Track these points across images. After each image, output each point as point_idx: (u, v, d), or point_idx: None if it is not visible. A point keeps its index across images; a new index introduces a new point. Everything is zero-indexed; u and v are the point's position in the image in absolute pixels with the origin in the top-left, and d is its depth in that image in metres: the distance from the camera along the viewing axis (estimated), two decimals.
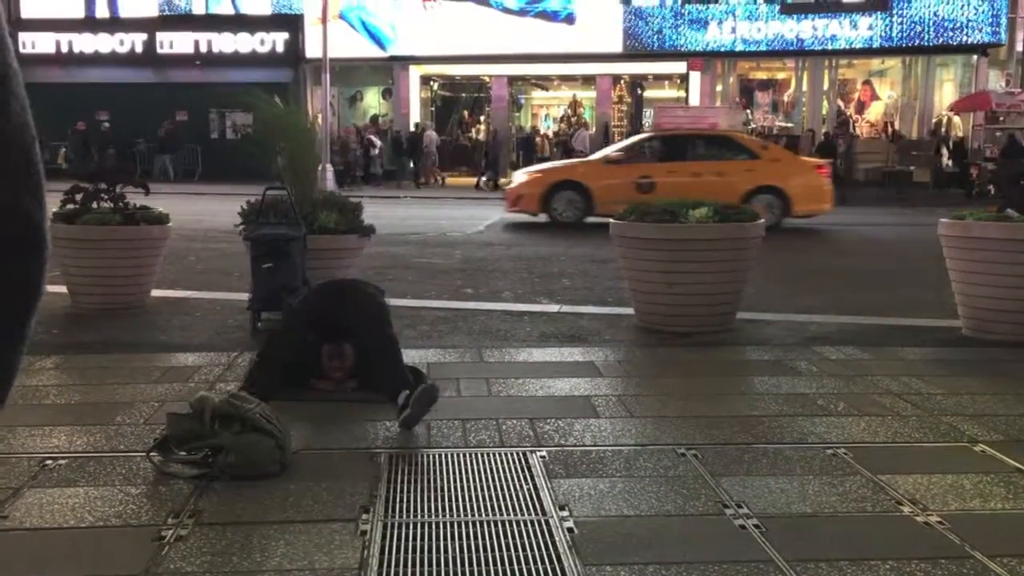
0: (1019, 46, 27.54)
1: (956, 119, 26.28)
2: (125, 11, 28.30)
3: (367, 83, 29.73)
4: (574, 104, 30.97)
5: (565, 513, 3.02)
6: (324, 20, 21.86)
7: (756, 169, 13.81)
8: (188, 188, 21.47)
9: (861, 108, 27.94)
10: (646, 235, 6.13)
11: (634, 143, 15.69)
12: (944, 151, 24.28)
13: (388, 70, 28.49)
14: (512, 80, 29.66)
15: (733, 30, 25.84)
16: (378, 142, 26.00)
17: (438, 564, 2.66)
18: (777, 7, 25.84)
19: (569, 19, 26.73)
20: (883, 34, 25.17)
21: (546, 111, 33.68)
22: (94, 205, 6.79)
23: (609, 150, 15.66)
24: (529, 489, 3.23)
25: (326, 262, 6.12)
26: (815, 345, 5.69)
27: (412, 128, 27.39)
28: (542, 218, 14.40)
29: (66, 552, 2.78)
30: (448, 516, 3.00)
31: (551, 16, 26.81)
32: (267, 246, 5.87)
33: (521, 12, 26.92)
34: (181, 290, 7.70)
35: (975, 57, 25.66)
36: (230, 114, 26.58)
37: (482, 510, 3.04)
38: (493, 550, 2.75)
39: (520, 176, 15.42)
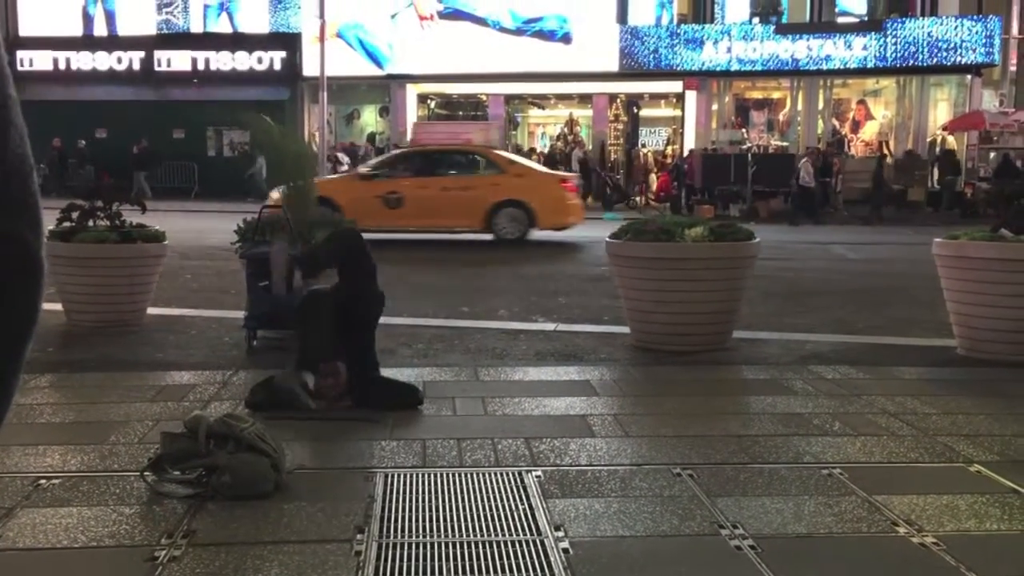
0: (1012, 66, 27.74)
1: (950, 138, 26.42)
2: (123, 29, 28.41)
3: (364, 101, 29.84)
4: (570, 122, 31.08)
5: (561, 533, 3.01)
6: (322, 39, 21.98)
7: (501, 184, 14.03)
8: (184, 206, 21.48)
9: (856, 127, 28.07)
10: (642, 254, 6.14)
11: (388, 159, 15.90)
12: (958, 172, 24.27)
13: (385, 88, 28.61)
14: (509, 98, 29.77)
15: (728, 50, 25.99)
16: (345, 159, 26.01)
17: None
18: (772, 27, 26.02)
19: (566, 38, 26.88)
20: (877, 54, 25.33)
21: (543, 129, 33.80)
22: (90, 223, 6.80)
23: (364, 166, 15.71)
24: (525, 509, 3.22)
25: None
26: (810, 364, 5.70)
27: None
28: None
29: (59, 573, 2.77)
30: (443, 536, 2.99)
31: (548, 35, 26.96)
32: (263, 264, 5.88)
33: (518, 31, 27.08)
34: (177, 308, 7.69)
35: (969, 77, 25.83)
36: (227, 132, 26.66)
37: (477, 530, 3.04)
38: (489, 571, 2.74)
39: (277, 193, 15.36)
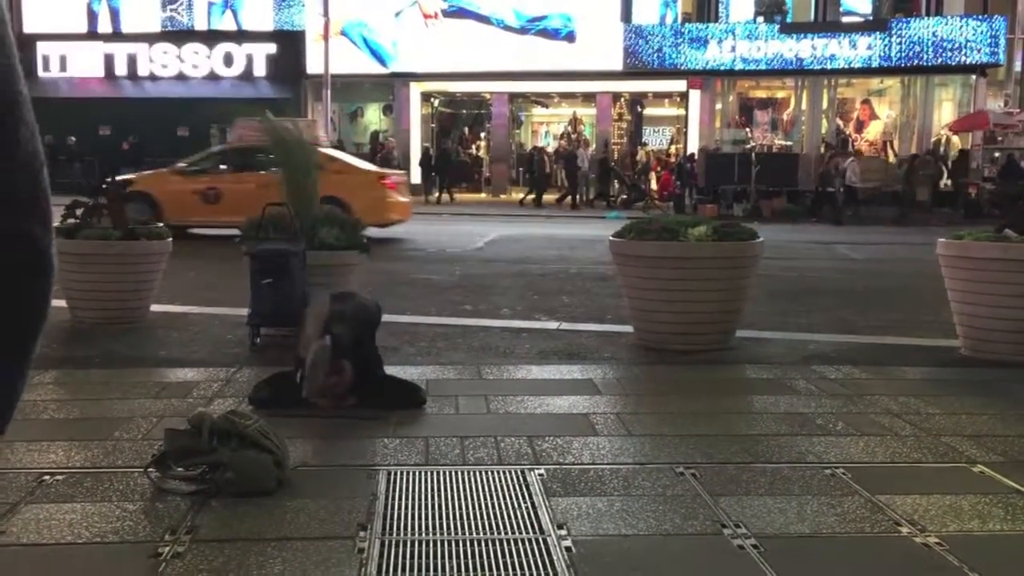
0: (1017, 66, 27.68)
1: (955, 139, 26.38)
2: (127, 26, 28.45)
3: (368, 99, 29.86)
4: (574, 121, 31.06)
5: (563, 532, 3.01)
6: (326, 36, 21.97)
7: (320, 180, 14.07)
8: None
9: (860, 127, 28.04)
10: (645, 253, 6.14)
11: (208, 154, 15.94)
12: (944, 170, 24.41)
13: (389, 86, 28.62)
14: (512, 97, 29.76)
15: (733, 49, 25.97)
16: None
17: None
18: (777, 27, 25.99)
19: (570, 37, 26.86)
20: (882, 54, 25.29)
21: (546, 128, 33.79)
22: (94, 220, 6.82)
23: (183, 161, 15.71)
24: (527, 507, 3.23)
25: (326, 278, 6.12)
26: (814, 364, 5.69)
27: (427, 144, 27.64)
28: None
29: (63, 568, 2.77)
30: (446, 534, 2.99)
31: (552, 34, 26.94)
32: (267, 261, 5.88)
33: (522, 30, 27.07)
34: (181, 305, 7.70)
35: (973, 77, 25.78)
36: (231, 129, 26.68)
37: (480, 528, 3.04)
38: (491, 569, 2.74)
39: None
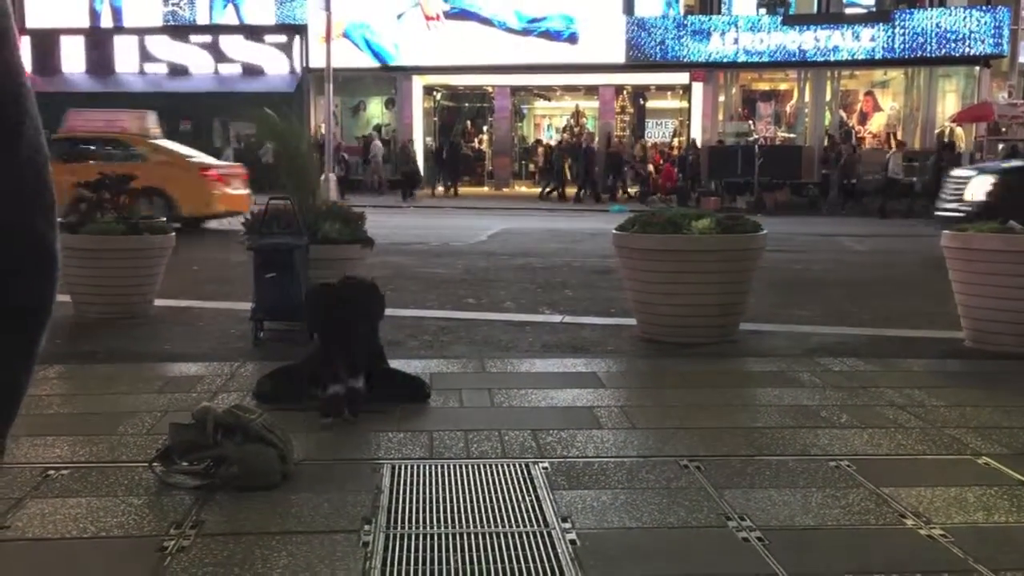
0: (1021, 57, 27.59)
1: (959, 130, 26.31)
2: (129, 21, 28.43)
3: (370, 93, 29.83)
4: (577, 114, 31.00)
5: (568, 525, 3.01)
6: (328, 38, 21.91)
7: (142, 172, 14.18)
8: None
9: (863, 119, 27.97)
10: (648, 246, 6.13)
11: None
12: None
13: (391, 81, 28.60)
14: (515, 91, 29.73)
15: (736, 41, 25.91)
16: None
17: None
18: (779, 18, 25.92)
19: (572, 38, 26.75)
20: (885, 45, 25.21)
21: (548, 121, 33.75)
22: (97, 215, 6.82)
23: None
24: (531, 501, 3.23)
25: (328, 272, 6.12)
26: (817, 356, 5.69)
27: (429, 140, 27.59)
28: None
29: (68, 563, 2.78)
30: (450, 528, 2.99)
31: (554, 36, 26.84)
32: (270, 256, 5.88)
33: (524, 31, 27.00)
34: (184, 299, 7.70)
35: (977, 68, 25.70)
36: (233, 124, 26.69)
37: (484, 522, 3.04)
38: (495, 562, 2.74)
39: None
